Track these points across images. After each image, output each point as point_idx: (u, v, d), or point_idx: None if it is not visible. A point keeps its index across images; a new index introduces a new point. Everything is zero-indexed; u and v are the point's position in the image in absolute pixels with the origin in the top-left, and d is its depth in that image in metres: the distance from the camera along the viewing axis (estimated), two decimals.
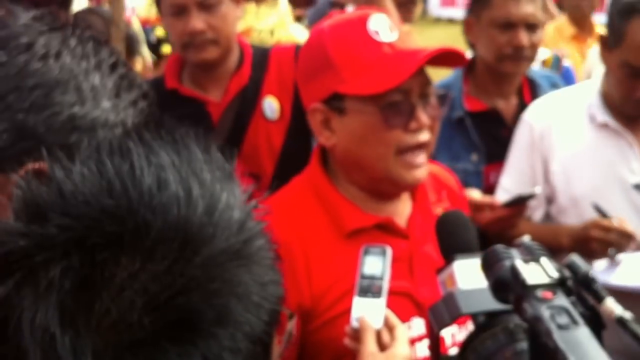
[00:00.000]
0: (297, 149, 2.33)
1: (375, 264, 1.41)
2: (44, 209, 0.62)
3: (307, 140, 2.33)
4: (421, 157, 1.53)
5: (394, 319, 1.37)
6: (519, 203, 2.15)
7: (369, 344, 1.32)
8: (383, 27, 1.53)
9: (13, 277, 0.59)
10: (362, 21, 1.53)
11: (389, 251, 1.43)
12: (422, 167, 1.54)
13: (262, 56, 2.39)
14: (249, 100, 2.35)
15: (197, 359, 0.59)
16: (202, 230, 0.62)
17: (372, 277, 1.40)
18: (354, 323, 1.36)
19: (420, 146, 1.52)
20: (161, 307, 0.59)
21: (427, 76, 1.54)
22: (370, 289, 1.38)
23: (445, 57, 1.57)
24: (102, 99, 0.92)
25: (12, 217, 0.64)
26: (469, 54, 2.90)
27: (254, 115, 2.35)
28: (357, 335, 1.36)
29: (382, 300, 1.38)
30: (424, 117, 1.51)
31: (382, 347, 1.34)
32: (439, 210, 1.66)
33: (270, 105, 2.36)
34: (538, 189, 2.19)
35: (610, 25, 2.20)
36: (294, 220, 1.55)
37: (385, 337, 1.35)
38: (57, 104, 0.89)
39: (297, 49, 2.42)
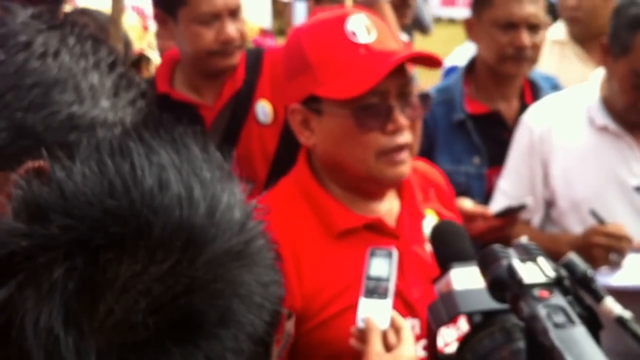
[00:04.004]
0: (290, 153, 2.32)
1: (382, 265, 1.41)
2: (45, 209, 0.62)
3: (300, 144, 2.34)
4: (402, 155, 1.52)
5: (400, 321, 1.37)
6: (510, 214, 2.16)
7: (375, 344, 1.32)
8: (360, 27, 1.52)
9: (16, 278, 0.59)
10: (340, 22, 1.52)
11: (395, 253, 1.43)
12: (405, 164, 1.53)
13: (255, 59, 2.39)
14: (242, 104, 2.35)
15: None
16: (204, 231, 0.62)
17: (378, 279, 1.40)
18: (360, 323, 1.36)
19: (400, 148, 1.51)
20: (164, 308, 0.59)
21: (407, 76, 1.53)
22: (376, 290, 1.38)
23: (422, 58, 1.56)
24: (101, 98, 0.92)
25: (11, 216, 0.64)
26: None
27: (247, 119, 2.35)
28: (362, 335, 1.36)
29: (388, 302, 1.38)
30: (401, 118, 1.50)
31: (388, 347, 1.34)
32: (426, 209, 1.66)
33: (263, 109, 2.36)
34: (529, 200, 2.20)
35: (616, 35, 2.20)
36: (282, 221, 1.54)
37: (392, 338, 1.35)
38: (56, 102, 0.89)
39: None
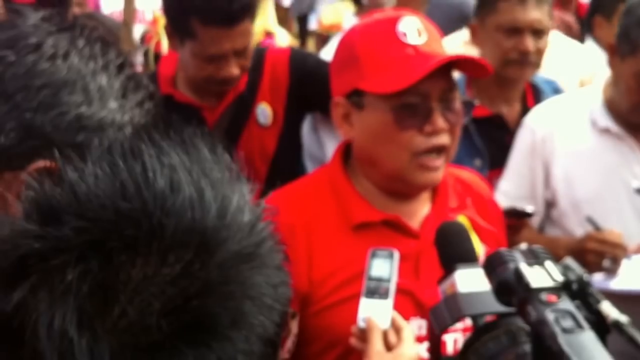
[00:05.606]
0: (289, 154, 2.38)
1: (383, 266, 1.43)
2: (58, 210, 0.61)
3: (298, 145, 2.40)
4: (437, 161, 1.55)
5: (401, 321, 1.39)
6: (516, 216, 2.16)
7: (376, 343, 1.33)
8: (412, 29, 1.56)
9: (29, 280, 0.59)
10: (393, 22, 1.57)
11: (396, 255, 1.44)
12: (437, 170, 1.56)
13: (257, 60, 2.38)
14: (244, 106, 2.37)
15: None
16: (216, 233, 0.62)
17: (379, 279, 1.41)
18: (361, 323, 1.37)
19: (436, 149, 1.54)
20: (177, 310, 0.59)
21: (452, 81, 1.56)
22: (377, 291, 1.40)
23: (468, 65, 1.60)
24: (109, 99, 0.93)
25: (22, 217, 0.64)
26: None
27: (248, 121, 2.37)
28: (363, 335, 1.37)
29: (389, 302, 1.39)
30: (440, 121, 1.52)
31: (389, 347, 1.35)
32: (458, 215, 1.66)
33: (264, 112, 2.38)
34: (530, 209, 2.20)
35: (625, 34, 2.19)
36: (303, 206, 1.59)
37: (392, 337, 1.36)
38: (65, 103, 0.90)
39: (292, 53, 2.45)
